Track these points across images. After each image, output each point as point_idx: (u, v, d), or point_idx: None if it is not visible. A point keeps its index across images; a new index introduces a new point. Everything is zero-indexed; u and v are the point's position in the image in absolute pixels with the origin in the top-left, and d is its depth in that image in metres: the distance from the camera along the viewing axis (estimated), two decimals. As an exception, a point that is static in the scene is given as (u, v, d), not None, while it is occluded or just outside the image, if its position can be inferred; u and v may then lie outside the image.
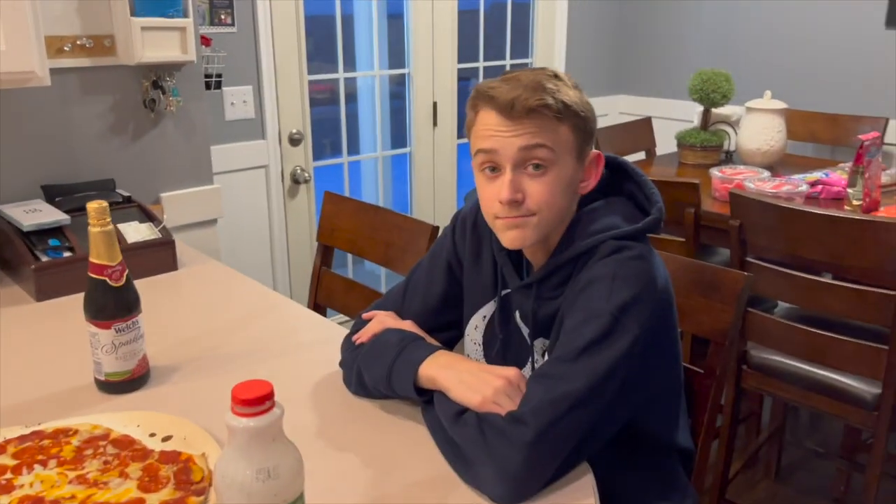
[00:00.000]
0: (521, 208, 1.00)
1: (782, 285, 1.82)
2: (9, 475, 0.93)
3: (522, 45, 3.47)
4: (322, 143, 2.94)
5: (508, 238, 1.04)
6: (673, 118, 3.46)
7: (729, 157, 2.90)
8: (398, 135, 3.14)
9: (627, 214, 1.06)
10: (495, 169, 1.01)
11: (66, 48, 1.74)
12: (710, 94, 2.74)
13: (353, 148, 3.04)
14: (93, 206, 1.10)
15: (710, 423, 1.28)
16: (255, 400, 0.70)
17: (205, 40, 2.29)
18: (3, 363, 1.27)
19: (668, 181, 2.15)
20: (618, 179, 1.12)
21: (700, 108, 2.86)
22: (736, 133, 2.85)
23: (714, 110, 2.84)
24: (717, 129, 2.86)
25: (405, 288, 1.24)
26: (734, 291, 1.24)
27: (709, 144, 2.81)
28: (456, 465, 0.95)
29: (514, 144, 0.98)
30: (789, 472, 2.41)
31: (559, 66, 3.53)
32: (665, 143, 3.18)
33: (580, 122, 1.01)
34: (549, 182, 1.00)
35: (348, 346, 1.18)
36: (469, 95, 1.05)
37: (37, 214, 1.62)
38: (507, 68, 3.40)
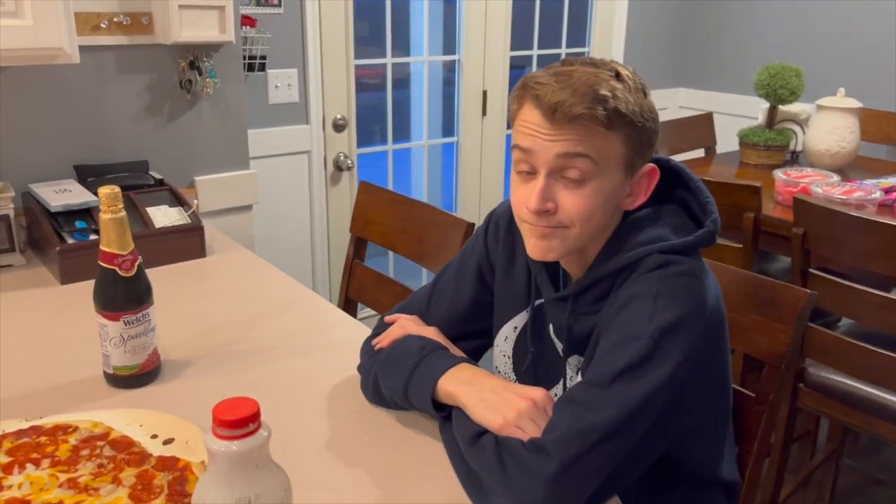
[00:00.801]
0: (551, 219, 0.91)
1: (848, 301, 1.68)
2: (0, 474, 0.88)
3: (579, 33, 3.33)
4: (371, 129, 2.88)
5: (533, 247, 0.94)
6: (736, 114, 3.29)
7: (795, 159, 2.73)
8: (447, 123, 3.06)
9: (678, 225, 0.95)
10: (531, 170, 0.92)
11: (102, 25, 1.70)
12: (778, 90, 2.57)
13: (402, 135, 2.96)
14: (104, 191, 1.05)
15: (761, 453, 1.16)
16: (239, 421, 0.62)
17: (249, 21, 2.24)
18: (17, 348, 1.23)
19: (727, 183, 2.01)
20: (670, 185, 1.01)
21: (766, 105, 2.70)
22: (804, 132, 2.68)
23: (781, 107, 2.67)
24: (783, 128, 2.69)
25: (431, 291, 1.16)
26: (794, 311, 1.12)
27: (773, 144, 2.64)
28: (471, 493, 0.87)
29: (551, 150, 0.88)
30: (845, 497, 2.25)
31: (617, 57, 3.38)
32: (726, 141, 3.02)
33: (635, 132, 0.89)
34: (587, 196, 0.89)
35: (367, 350, 1.10)
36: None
37: (66, 195, 1.59)
38: (563, 56, 3.27)
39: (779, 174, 2.23)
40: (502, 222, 1.10)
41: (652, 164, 0.95)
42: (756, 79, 2.63)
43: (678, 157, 2.90)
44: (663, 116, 3.74)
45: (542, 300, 1.04)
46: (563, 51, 3.29)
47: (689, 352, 0.84)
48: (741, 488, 1.10)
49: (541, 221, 0.91)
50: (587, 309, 0.97)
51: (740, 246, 1.99)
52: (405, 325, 1.10)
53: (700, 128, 2.99)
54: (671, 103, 3.63)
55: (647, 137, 0.91)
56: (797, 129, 2.71)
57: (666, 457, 0.93)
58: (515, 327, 1.08)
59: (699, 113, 3.10)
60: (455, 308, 1.12)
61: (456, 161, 3.08)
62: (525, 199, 0.91)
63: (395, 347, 1.05)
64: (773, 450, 1.85)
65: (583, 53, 3.36)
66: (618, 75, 0.89)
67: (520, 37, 3.10)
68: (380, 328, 1.14)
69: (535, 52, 3.19)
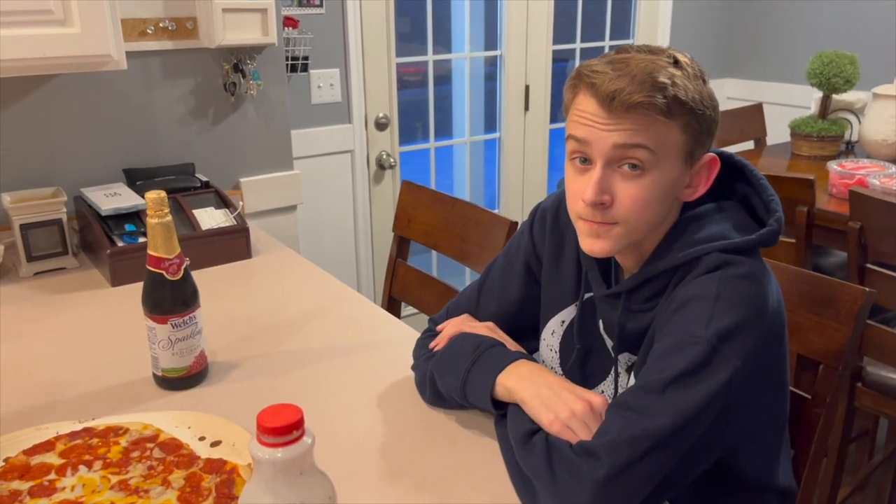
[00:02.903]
0: (606, 213, 0.88)
1: (908, 297, 1.61)
2: (52, 476, 0.90)
3: (623, 25, 3.27)
4: (413, 126, 2.88)
5: (588, 245, 0.92)
6: (787, 104, 3.19)
7: (850, 149, 2.64)
8: (489, 119, 3.04)
9: (739, 223, 0.92)
10: (586, 160, 0.89)
11: (148, 31, 1.73)
12: (832, 79, 2.48)
13: (444, 132, 2.95)
14: (151, 196, 1.06)
15: (818, 457, 1.12)
16: (283, 429, 0.62)
17: (292, 22, 2.26)
18: (70, 350, 1.26)
19: (778, 175, 1.95)
20: (731, 180, 0.97)
21: (819, 94, 2.61)
22: (859, 122, 2.58)
23: (835, 96, 2.59)
24: (837, 118, 2.60)
25: (479, 289, 1.14)
26: (852, 309, 1.08)
27: (827, 134, 2.56)
28: (521, 494, 0.85)
29: (608, 140, 0.85)
30: (906, 500, 2.17)
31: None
32: (777, 132, 2.94)
33: (694, 120, 0.86)
34: (645, 187, 0.86)
35: (423, 352, 1.09)
36: (566, 77, 0.92)
37: (116, 198, 1.62)
38: (606, 50, 3.23)
39: (833, 166, 2.16)
40: (549, 215, 1.07)
41: (712, 154, 0.92)
42: (808, 67, 2.55)
43: (726, 150, 2.84)
44: (711, 108, 3.60)
45: (591, 294, 1.02)
46: (607, 43, 3.24)
47: (748, 357, 0.81)
48: (797, 494, 1.06)
49: (595, 216, 0.88)
50: (641, 306, 0.94)
51: (793, 241, 1.93)
52: (458, 324, 1.09)
53: (749, 119, 2.92)
54: (718, 94, 3.52)
55: (706, 126, 0.88)
56: (852, 118, 2.62)
57: (721, 462, 0.90)
58: (563, 321, 1.07)
59: (749, 103, 3.02)
60: (505, 305, 1.11)
61: (498, 157, 3.06)
62: (581, 191, 0.88)
63: (451, 346, 1.04)
64: (829, 450, 1.80)
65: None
66: (676, 62, 0.86)
67: (562, 30, 3.06)
68: (430, 332, 1.13)
69: (577, 45, 3.14)
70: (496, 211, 1.65)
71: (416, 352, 1.13)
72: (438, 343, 1.07)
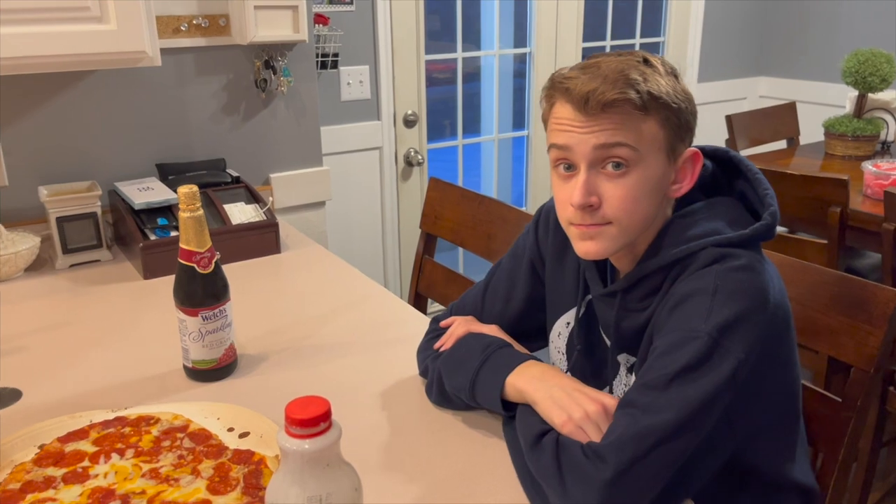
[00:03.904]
0: (596, 215, 0.88)
1: (944, 300, 1.58)
2: (86, 463, 0.92)
3: (654, 21, 3.24)
4: (442, 124, 2.88)
5: (582, 249, 0.91)
6: (821, 103, 3.15)
7: (885, 149, 2.59)
8: (518, 116, 3.03)
9: (733, 218, 0.91)
10: (570, 167, 0.89)
11: (182, 27, 1.75)
12: (868, 78, 2.44)
13: (472, 129, 2.95)
14: (183, 190, 1.08)
15: (847, 461, 1.11)
16: (310, 420, 0.63)
17: (322, 19, 2.27)
18: (103, 341, 1.29)
19: (810, 175, 1.92)
20: (727, 176, 0.97)
21: (854, 93, 2.57)
22: (895, 122, 2.53)
23: (871, 95, 2.54)
24: (872, 117, 2.56)
25: (484, 290, 1.14)
26: (885, 312, 1.06)
27: (862, 134, 2.52)
28: (531, 496, 0.85)
29: (588, 142, 0.85)
30: (939, 506, 2.13)
31: (694, 44, 3.29)
32: (811, 132, 2.89)
33: (671, 114, 0.86)
34: (630, 185, 0.86)
35: (428, 352, 1.10)
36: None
37: (149, 192, 1.65)
38: (637, 47, 3.20)
39: (868, 166, 2.12)
40: (552, 216, 1.07)
41: (694, 149, 0.92)
42: (844, 66, 2.51)
43: (758, 149, 2.81)
44: (743, 106, 3.62)
45: (591, 296, 1.02)
46: (638, 41, 3.21)
47: (752, 349, 0.81)
48: (818, 494, 1.05)
49: (585, 219, 0.88)
50: (636, 305, 0.94)
51: (825, 242, 1.90)
52: (465, 324, 1.09)
53: (782, 118, 2.88)
54: (751, 93, 3.51)
55: (685, 119, 0.88)
56: (888, 118, 2.57)
57: (735, 457, 0.90)
58: (568, 323, 1.07)
59: (782, 102, 2.98)
60: (511, 305, 1.11)
61: (526, 154, 3.05)
62: (568, 196, 0.88)
63: (458, 346, 1.04)
64: (860, 455, 1.77)
65: (658, 44, 3.27)
66: (646, 61, 0.87)
67: (592, 28, 3.04)
68: (434, 332, 1.14)
69: (608, 42, 3.13)
70: (523, 209, 1.65)
71: (421, 353, 1.13)
72: (445, 343, 1.08)
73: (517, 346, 1.04)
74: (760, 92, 3.50)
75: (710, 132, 3.19)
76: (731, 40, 3.38)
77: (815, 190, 1.84)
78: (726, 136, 2.71)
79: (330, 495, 0.63)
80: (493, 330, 1.07)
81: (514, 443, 0.92)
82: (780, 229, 2.27)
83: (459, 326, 1.08)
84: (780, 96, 3.33)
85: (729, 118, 2.68)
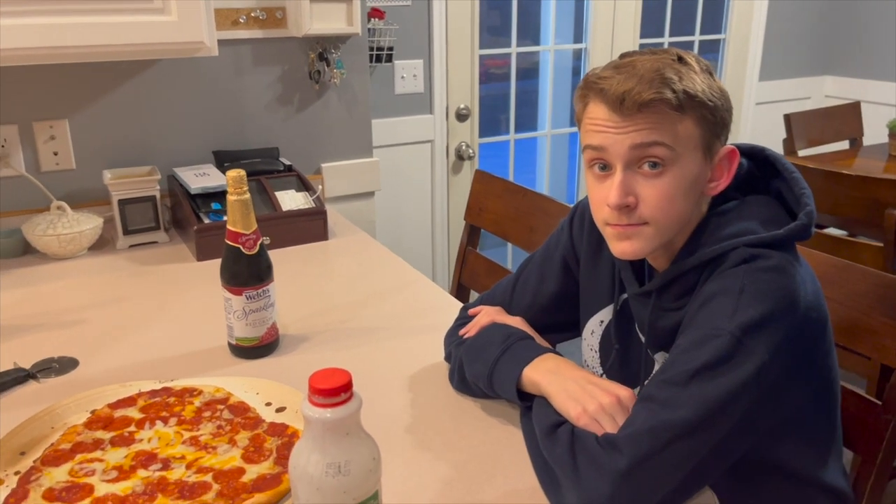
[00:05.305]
0: (632, 215, 0.88)
1: None
2: (133, 428, 0.98)
3: (716, 18, 3.18)
4: (497, 119, 2.89)
5: (619, 249, 0.91)
6: (889, 104, 3.03)
7: (953, 151, 2.49)
8: (574, 113, 3.01)
9: (768, 218, 0.90)
10: (606, 167, 0.89)
11: (241, 20, 1.82)
12: (936, 77, 2.35)
13: (527, 125, 2.96)
14: (231, 174, 1.13)
15: (885, 465, 1.08)
16: (332, 391, 0.66)
17: (378, 13, 2.31)
18: (156, 317, 1.35)
19: (867, 176, 1.87)
20: (763, 175, 0.96)
21: (922, 93, 2.48)
22: (966, 123, 2.44)
23: (939, 96, 2.45)
24: (941, 118, 2.46)
25: (515, 282, 1.16)
26: (931, 315, 1.04)
27: (928, 135, 2.43)
28: (545, 485, 0.86)
29: (624, 142, 0.85)
30: None
31: (756, 42, 3.21)
32: (875, 133, 2.80)
33: (707, 112, 0.86)
34: (667, 184, 0.86)
35: (453, 339, 1.12)
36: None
37: (204, 178, 1.72)
38: (696, 44, 3.15)
39: (931, 168, 2.05)
40: (588, 214, 1.07)
41: (731, 146, 0.91)
42: (911, 65, 2.42)
43: (819, 150, 2.74)
44: (806, 106, 3.52)
45: (627, 295, 1.02)
46: (697, 38, 3.16)
47: (777, 351, 0.79)
48: (851, 498, 1.03)
49: (622, 219, 0.88)
50: (671, 304, 0.94)
51: (880, 245, 1.85)
52: (491, 313, 1.11)
53: (845, 118, 2.80)
54: (816, 92, 3.41)
55: (720, 117, 0.88)
56: (958, 119, 2.47)
57: (762, 455, 0.89)
58: (602, 321, 1.07)
59: (845, 102, 2.89)
60: (539, 299, 1.12)
61: (578, 151, 3.04)
62: (604, 197, 0.89)
63: (481, 335, 1.06)
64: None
65: (719, 41, 3.21)
66: (681, 59, 0.87)
67: (651, 24, 3.00)
68: (462, 318, 1.16)
69: (666, 39, 3.08)
70: (570, 204, 1.65)
71: (447, 339, 1.15)
72: (469, 331, 1.09)
73: (539, 340, 1.05)
74: (826, 91, 3.40)
75: (770, 132, 3.11)
76: (796, 38, 3.29)
77: (872, 191, 1.79)
78: (784, 135, 2.64)
79: (349, 463, 0.66)
80: (517, 322, 1.08)
81: (530, 433, 0.93)
82: (835, 231, 2.21)
83: (485, 316, 1.10)
84: (846, 96, 3.23)
85: (787, 117, 2.62)
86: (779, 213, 0.92)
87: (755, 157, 0.96)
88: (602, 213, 0.91)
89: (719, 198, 0.93)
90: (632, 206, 0.87)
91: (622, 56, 0.90)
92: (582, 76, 0.95)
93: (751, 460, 0.88)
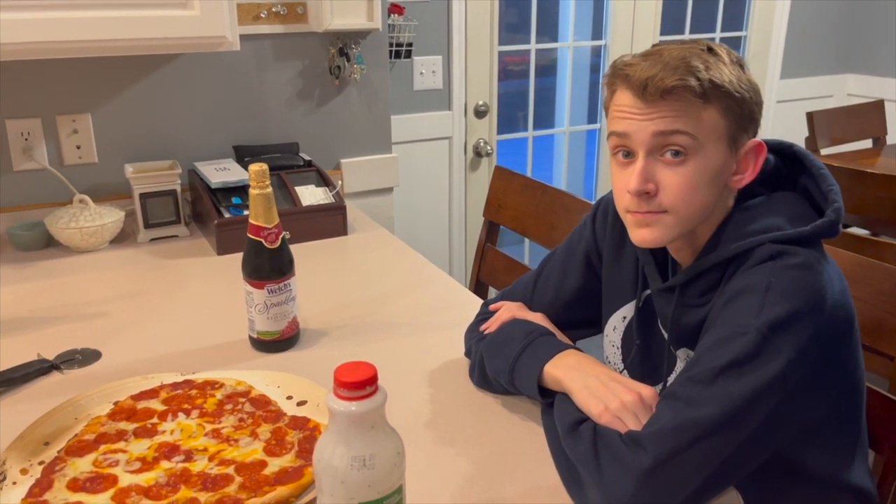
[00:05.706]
0: (652, 202, 0.87)
1: None
2: (155, 420, 0.98)
3: (737, 15, 3.15)
4: (515, 115, 2.89)
5: (638, 237, 0.91)
6: (913, 102, 3.00)
7: (980, 151, 2.46)
8: (593, 110, 3.00)
9: (795, 214, 0.89)
10: (629, 154, 0.89)
11: (262, 14, 1.82)
12: (962, 75, 2.32)
13: (546, 122, 2.94)
14: (254, 168, 1.13)
15: (909, 467, 1.07)
16: (357, 384, 0.66)
17: (398, 9, 2.31)
18: (177, 310, 1.36)
19: (892, 176, 1.84)
20: (790, 171, 0.95)
21: (947, 92, 2.44)
22: None
23: (966, 94, 2.41)
24: (967, 117, 2.43)
25: (536, 278, 1.15)
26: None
27: (954, 134, 2.39)
28: (567, 483, 0.85)
29: (647, 129, 0.85)
30: None
31: (778, 40, 3.18)
32: (899, 131, 2.77)
33: (733, 103, 0.85)
34: (688, 173, 0.85)
35: (474, 334, 1.12)
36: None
37: (225, 173, 1.72)
38: (717, 42, 3.12)
39: (957, 168, 2.03)
40: (611, 209, 1.07)
41: (758, 140, 0.90)
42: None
43: (841, 148, 2.71)
44: (828, 104, 3.48)
45: (649, 291, 1.02)
46: (718, 35, 3.13)
47: (805, 350, 0.78)
48: (875, 499, 1.02)
49: (641, 206, 0.88)
50: (695, 300, 0.93)
51: (905, 245, 1.83)
52: (512, 309, 1.10)
53: (868, 116, 2.77)
54: (838, 90, 3.37)
55: (748, 109, 0.87)
56: (985, 118, 2.44)
57: (786, 454, 0.88)
58: (624, 317, 1.06)
59: (868, 100, 2.85)
60: (561, 295, 1.12)
61: (598, 148, 3.02)
62: (625, 183, 0.88)
63: (501, 331, 1.06)
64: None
65: (740, 38, 3.18)
66: (710, 49, 0.86)
67: (671, 21, 2.98)
68: (483, 314, 1.15)
69: (686, 36, 3.06)
70: (594, 202, 1.64)
71: (468, 334, 1.15)
72: (490, 326, 1.09)
73: (560, 336, 1.04)
74: (848, 90, 3.36)
75: (791, 130, 3.08)
76: (818, 35, 3.26)
77: (894, 190, 1.77)
78: (806, 133, 2.62)
79: (373, 456, 0.66)
80: (538, 318, 1.08)
81: (551, 429, 0.92)
82: (859, 231, 2.19)
83: (506, 312, 1.10)
84: (869, 94, 3.19)
85: (810, 115, 2.59)
86: (806, 209, 0.91)
87: (783, 152, 0.96)
88: (623, 201, 0.91)
89: (745, 193, 0.92)
90: (652, 193, 0.87)
91: (653, 45, 0.90)
92: (601, 73, 0.95)
93: (776, 461, 0.87)
